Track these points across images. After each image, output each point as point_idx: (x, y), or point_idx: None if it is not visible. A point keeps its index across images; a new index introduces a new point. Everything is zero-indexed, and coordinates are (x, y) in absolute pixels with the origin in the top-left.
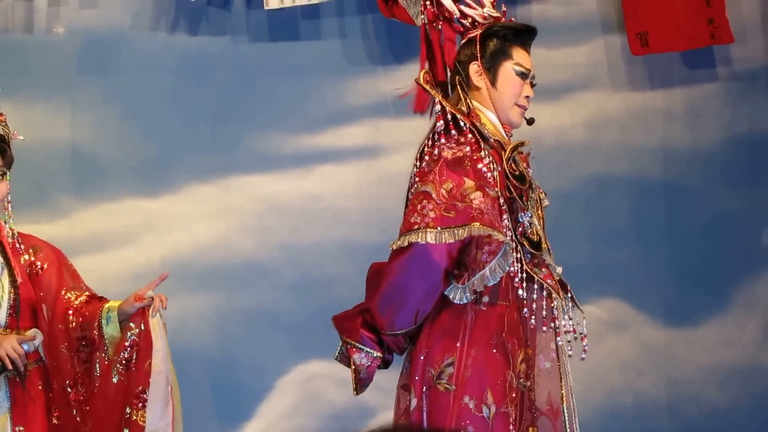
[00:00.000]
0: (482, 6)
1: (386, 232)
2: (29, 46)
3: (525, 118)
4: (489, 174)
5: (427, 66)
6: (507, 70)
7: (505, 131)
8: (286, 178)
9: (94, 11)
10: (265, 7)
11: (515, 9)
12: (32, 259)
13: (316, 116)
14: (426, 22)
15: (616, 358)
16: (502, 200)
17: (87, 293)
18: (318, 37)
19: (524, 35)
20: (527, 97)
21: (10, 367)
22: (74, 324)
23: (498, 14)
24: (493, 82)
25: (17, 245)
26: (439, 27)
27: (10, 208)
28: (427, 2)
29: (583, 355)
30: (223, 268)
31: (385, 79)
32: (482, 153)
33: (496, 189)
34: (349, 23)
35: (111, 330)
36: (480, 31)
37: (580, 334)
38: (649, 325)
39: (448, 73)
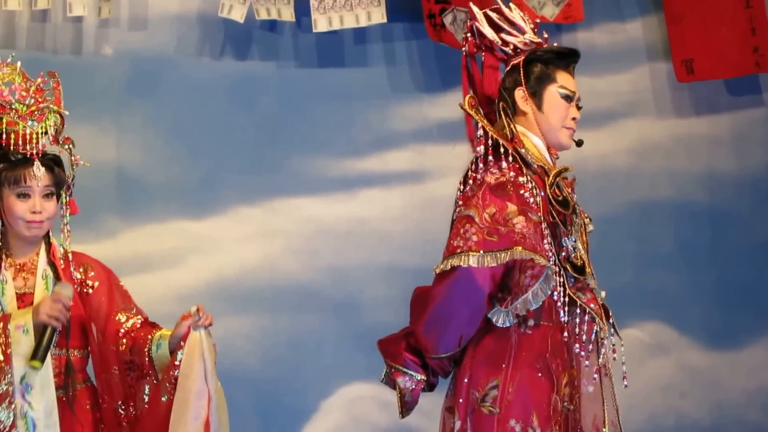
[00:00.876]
0: (523, 33)
1: (430, 256)
2: (76, 67)
3: (574, 140)
4: (531, 199)
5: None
6: (552, 93)
7: (551, 155)
8: (331, 202)
9: (143, 34)
10: (314, 30)
11: (560, 36)
12: (83, 277)
13: (361, 140)
14: (466, 53)
15: (659, 380)
16: (544, 225)
17: (139, 316)
18: (364, 63)
19: (567, 58)
20: (574, 118)
21: (58, 326)
22: (124, 347)
23: (540, 40)
24: (539, 106)
25: (70, 267)
26: (482, 57)
27: (66, 230)
28: (468, 34)
29: (625, 383)
30: (269, 290)
31: (430, 105)
32: (524, 178)
33: (538, 214)
34: (396, 49)
35: (161, 354)
36: (523, 57)
37: (621, 362)
38: (692, 347)
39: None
